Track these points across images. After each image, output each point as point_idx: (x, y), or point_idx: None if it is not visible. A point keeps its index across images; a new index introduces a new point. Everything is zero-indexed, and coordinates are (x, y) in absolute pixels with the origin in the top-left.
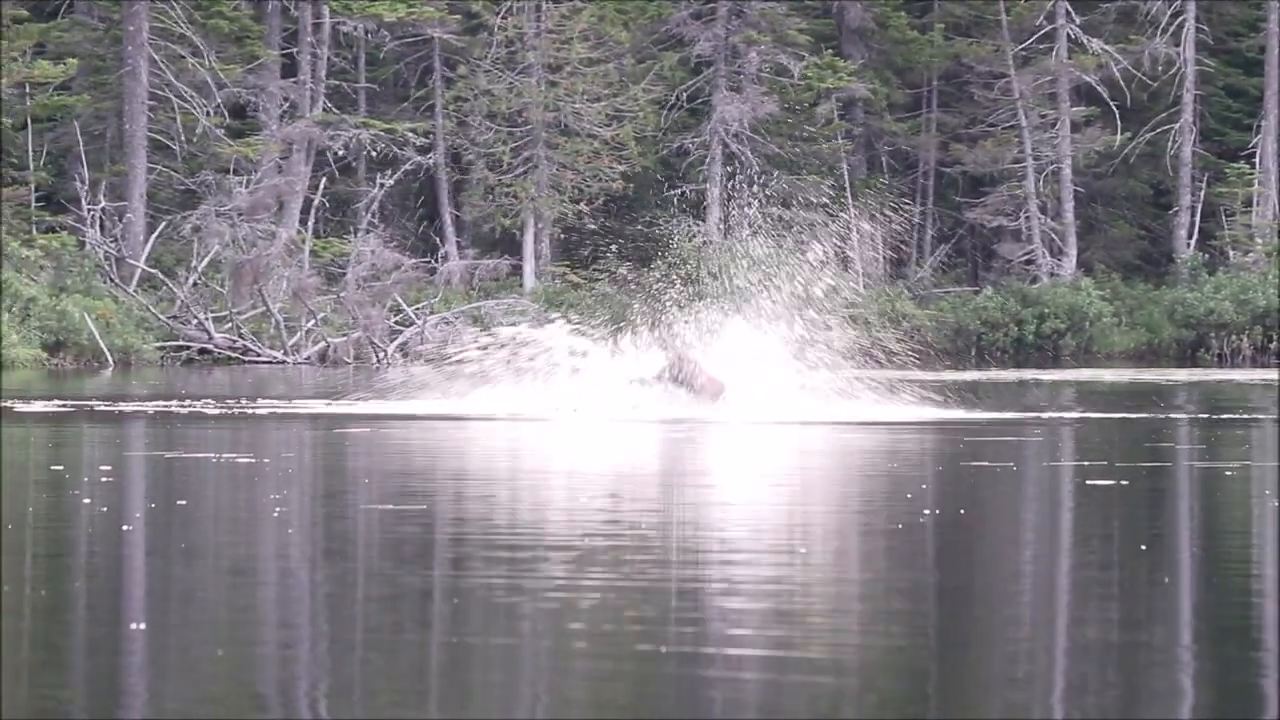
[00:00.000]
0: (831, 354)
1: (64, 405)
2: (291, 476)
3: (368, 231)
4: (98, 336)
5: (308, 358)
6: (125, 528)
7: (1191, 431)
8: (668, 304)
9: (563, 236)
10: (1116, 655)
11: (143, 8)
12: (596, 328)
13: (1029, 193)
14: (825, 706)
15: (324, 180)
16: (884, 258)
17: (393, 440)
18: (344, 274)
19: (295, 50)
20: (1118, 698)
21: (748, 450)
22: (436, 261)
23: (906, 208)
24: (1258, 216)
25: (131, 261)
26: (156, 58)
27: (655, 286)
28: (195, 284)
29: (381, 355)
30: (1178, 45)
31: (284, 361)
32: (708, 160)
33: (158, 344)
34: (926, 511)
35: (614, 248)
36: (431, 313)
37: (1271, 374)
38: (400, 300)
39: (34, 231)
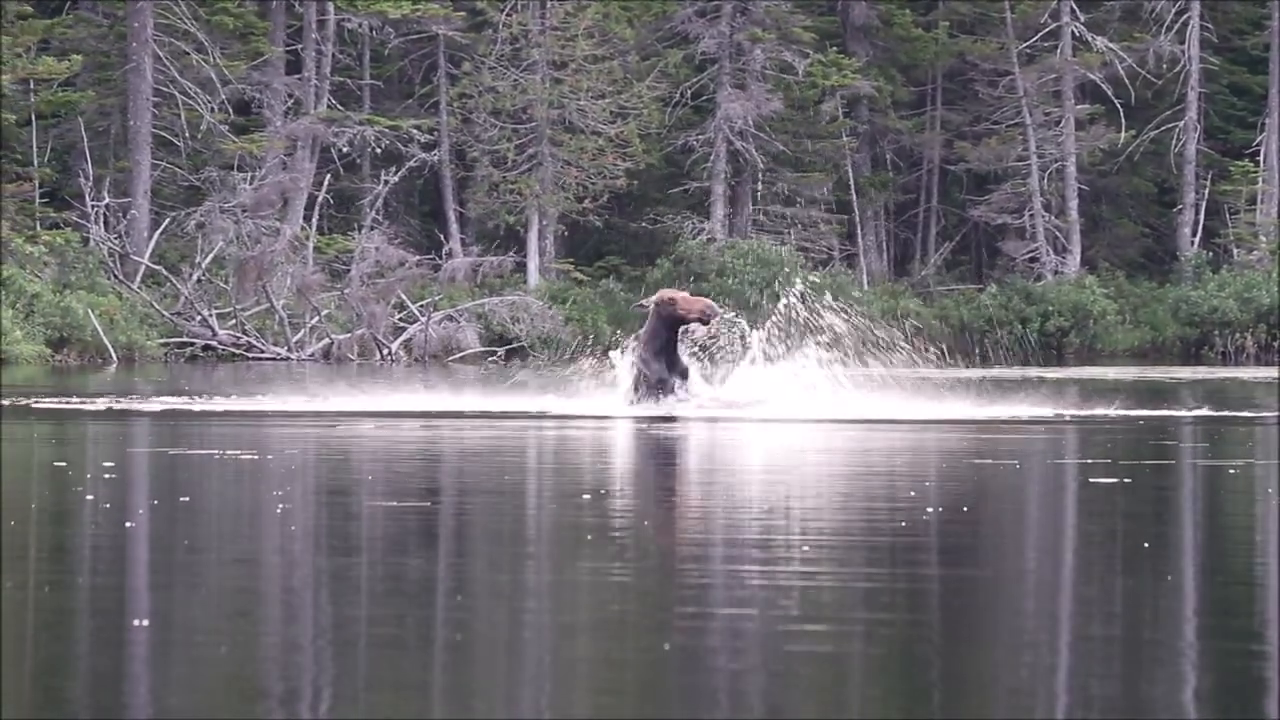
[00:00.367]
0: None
1: (81, 402)
2: (295, 472)
3: (372, 228)
4: (101, 333)
5: (312, 354)
6: (128, 524)
7: (1195, 430)
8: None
9: (567, 234)
10: (1119, 653)
11: (147, 4)
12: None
13: (1033, 190)
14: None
15: (328, 177)
16: (888, 255)
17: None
18: (348, 270)
19: (300, 46)
20: (1121, 696)
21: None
22: (441, 258)
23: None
24: (1262, 214)
25: (135, 258)
26: (161, 54)
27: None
28: (199, 280)
29: (385, 352)
30: (1182, 43)
31: (288, 358)
32: (712, 158)
33: (161, 340)
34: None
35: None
36: (435, 309)
37: (1274, 372)
38: (404, 297)
39: (38, 228)
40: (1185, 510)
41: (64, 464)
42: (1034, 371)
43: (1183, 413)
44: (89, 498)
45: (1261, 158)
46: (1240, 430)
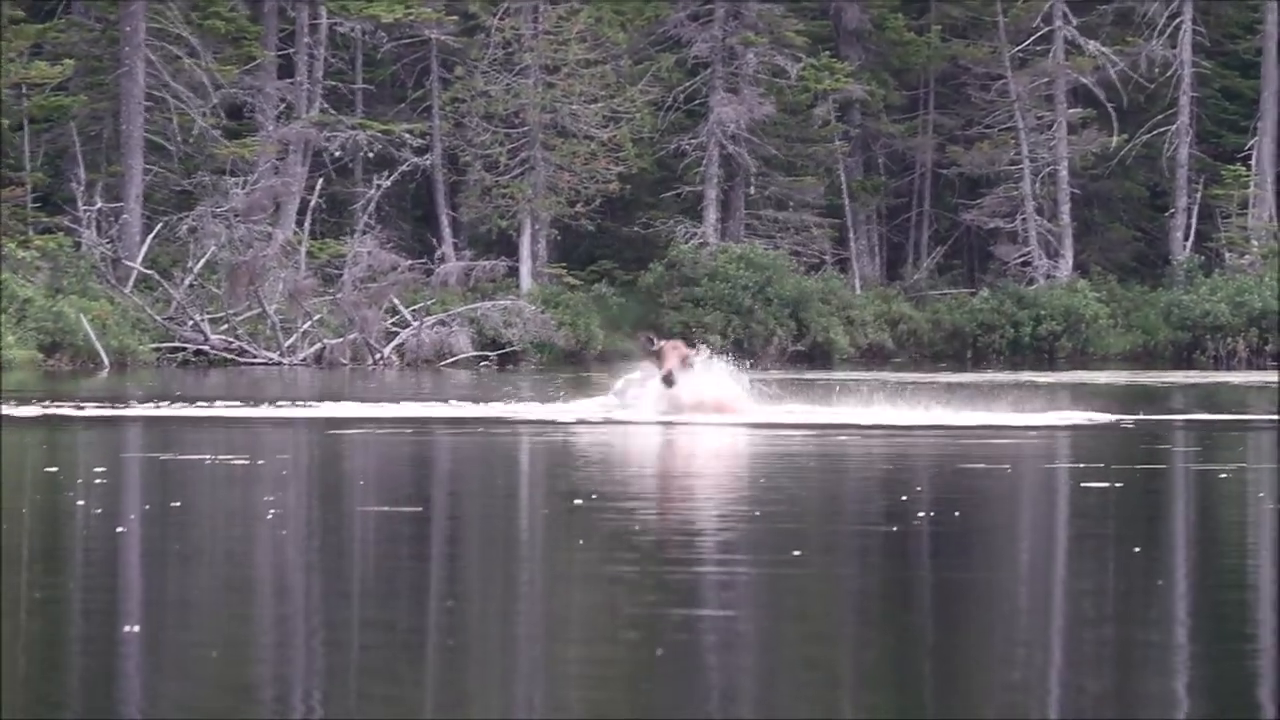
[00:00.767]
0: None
1: (78, 407)
2: (287, 479)
3: (364, 232)
4: (93, 338)
5: (304, 359)
6: (119, 529)
7: (1187, 434)
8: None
9: (559, 238)
10: (1112, 656)
11: (139, 8)
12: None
13: (1025, 194)
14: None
15: (320, 181)
16: (880, 259)
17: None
18: (340, 275)
19: (292, 51)
20: (1113, 700)
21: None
22: (433, 263)
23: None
24: (1254, 219)
25: (127, 262)
26: (153, 58)
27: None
28: (191, 285)
29: (378, 357)
30: (1174, 47)
31: (280, 363)
32: (705, 162)
33: (153, 345)
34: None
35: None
36: (428, 314)
37: (1267, 376)
38: (397, 301)
39: (30, 232)
40: (1178, 515)
41: (55, 469)
42: (1026, 376)
43: (1176, 417)
44: (80, 503)
45: (1253, 162)
46: (1232, 435)
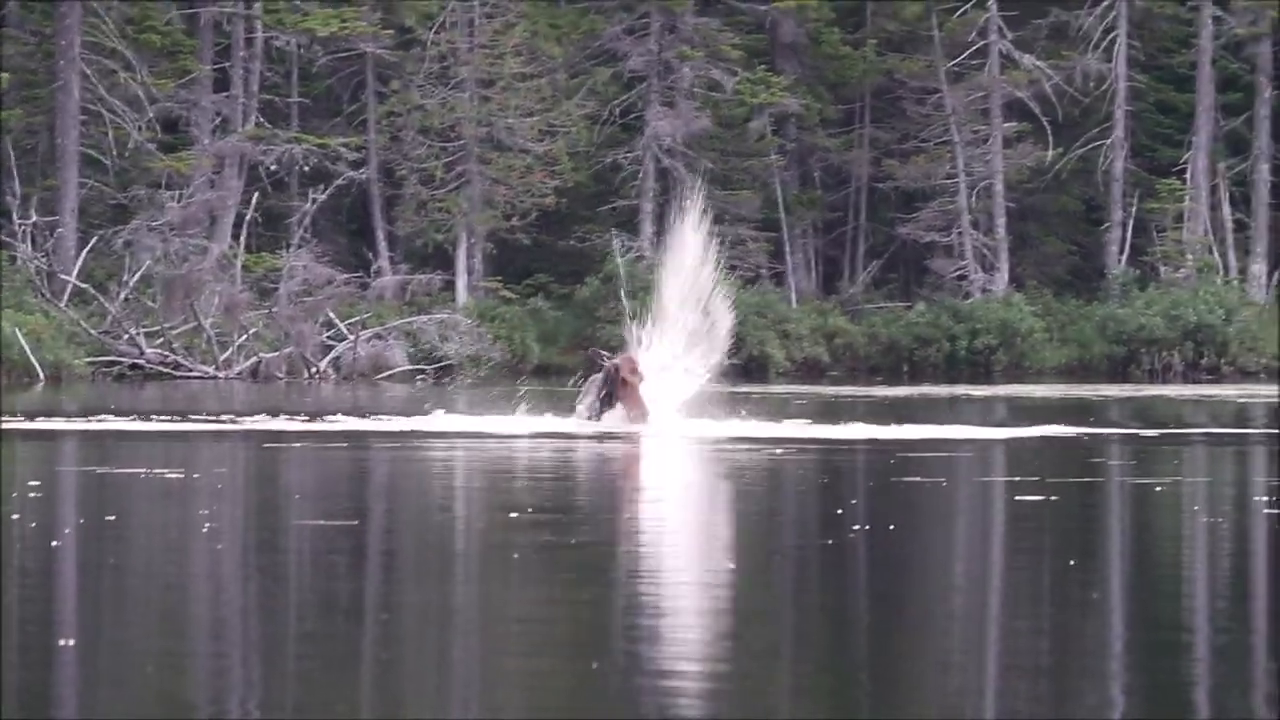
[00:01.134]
0: None
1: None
2: (223, 492)
3: (300, 246)
4: (29, 351)
5: (239, 373)
6: (55, 543)
7: (1122, 448)
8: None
9: (495, 252)
10: (1048, 668)
11: (75, 22)
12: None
13: (961, 208)
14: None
15: (256, 195)
16: (816, 273)
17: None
18: (276, 289)
19: (228, 65)
20: (1049, 710)
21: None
22: (369, 276)
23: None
24: (1188, 232)
25: (63, 276)
26: (88, 72)
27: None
28: (127, 299)
29: (314, 370)
30: (1109, 61)
31: (215, 377)
32: (641, 175)
33: (89, 359)
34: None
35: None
36: (364, 328)
37: (1201, 390)
38: (333, 315)
39: None
40: (1113, 528)
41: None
42: (962, 389)
43: (1111, 430)
44: (15, 516)
45: (1188, 176)
46: (1166, 449)
